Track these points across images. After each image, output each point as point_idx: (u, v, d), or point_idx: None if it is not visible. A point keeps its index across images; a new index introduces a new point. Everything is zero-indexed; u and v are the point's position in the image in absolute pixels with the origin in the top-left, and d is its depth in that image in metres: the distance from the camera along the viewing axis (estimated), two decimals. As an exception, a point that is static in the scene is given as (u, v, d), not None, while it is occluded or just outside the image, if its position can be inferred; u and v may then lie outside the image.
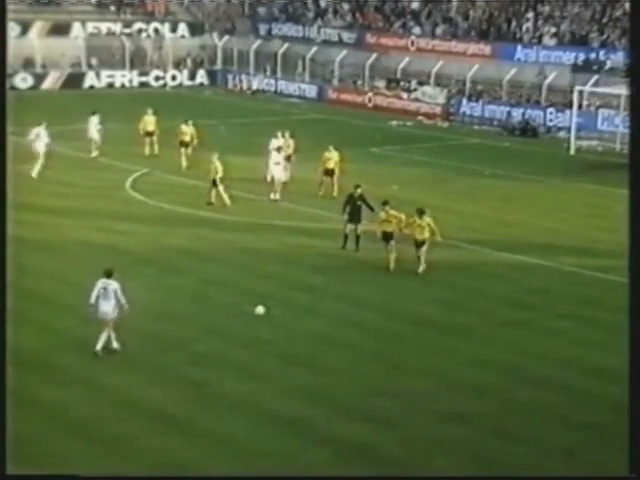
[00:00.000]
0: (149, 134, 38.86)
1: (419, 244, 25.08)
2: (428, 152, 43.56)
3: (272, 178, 32.62)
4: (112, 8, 65.46)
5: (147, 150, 38.68)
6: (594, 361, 19.65)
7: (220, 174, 31.16)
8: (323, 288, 24.12)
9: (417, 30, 58.66)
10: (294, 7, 65.89)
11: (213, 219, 30.10)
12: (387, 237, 25.39)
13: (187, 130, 37.28)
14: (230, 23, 67.82)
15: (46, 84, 60.13)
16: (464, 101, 53.60)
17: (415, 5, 60.71)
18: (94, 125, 38.87)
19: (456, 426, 16.78)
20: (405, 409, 17.45)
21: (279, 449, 15.81)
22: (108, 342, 19.34)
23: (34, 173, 35.09)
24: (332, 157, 32.66)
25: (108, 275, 19.27)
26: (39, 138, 36.85)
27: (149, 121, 39.00)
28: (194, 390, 17.95)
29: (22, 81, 59.27)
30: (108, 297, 19.14)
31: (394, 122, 52.02)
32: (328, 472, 15.11)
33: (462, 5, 59.01)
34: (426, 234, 24.99)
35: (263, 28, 65.25)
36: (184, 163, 36.91)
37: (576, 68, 50.63)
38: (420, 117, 53.77)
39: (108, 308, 19.14)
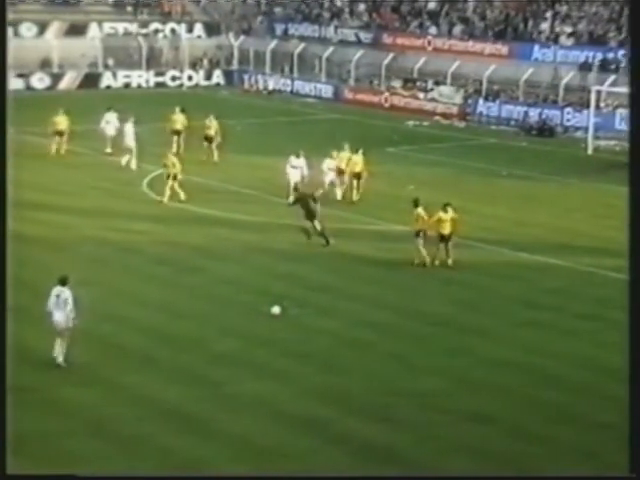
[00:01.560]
0: (176, 132, 39.15)
1: (444, 238, 25.15)
2: (445, 152, 43.45)
3: (289, 182, 32.31)
4: (129, 8, 65.58)
5: (174, 148, 38.74)
6: (611, 361, 19.50)
7: (178, 170, 31.52)
8: (339, 288, 24.09)
9: (434, 30, 58.54)
10: (310, 7, 65.88)
11: (229, 219, 30.10)
12: (418, 234, 25.50)
13: (211, 125, 37.95)
14: (246, 23, 67.87)
15: (63, 84, 60.27)
16: (481, 101, 53.45)
17: (432, 5, 60.61)
18: (107, 122, 39.08)
19: (473, 426, 16.73)
20: (421, 409, 17.41)
21: (294, 449, 15.80)
22: (66, 352, 18.52)
23: (124, 162, 36.32)
24: (358, 161, 32.48)
25: (62, 283, 18.54)
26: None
27: (177, 119, 39.33)
28: (210, 389, 17.95)
29: (39, 81, 59.45)
30: (60, 306, 18.39)
31: (410, 122, 51.92)
32: (343, 472, 15.08)
33: (479, 5, 58.88)
34: (450, 228, 25.18)
35: (279, 28, 65.26)
36: (205, 157, 37.55)
37: (584, 67, 50.43)
38: (437, 117, 53.64)
39: (61, 317, 18.37)
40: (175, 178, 31.59)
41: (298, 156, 32.47)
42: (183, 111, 39.87)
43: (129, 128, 37.54)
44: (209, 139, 38.04)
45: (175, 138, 39.11)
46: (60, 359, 18.54)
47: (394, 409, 17.32)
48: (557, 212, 32.55)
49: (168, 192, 31.60)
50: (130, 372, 18.56)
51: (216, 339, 20.46)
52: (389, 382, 18.53)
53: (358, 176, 32.41)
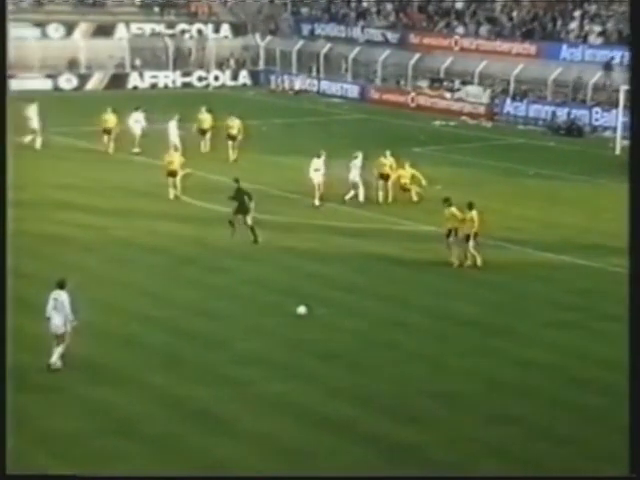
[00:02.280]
0: (204, 132, 39.39)
1: (468, 238, 25.14)
2: (471, 152, 43.30)
3: (313, 184, 32.16)
4: (156, 9, 65.83)
5: (202, 147, 39.02)
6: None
7: (176, 166, 31.90)
8: (366, 288, 24.06)
9: (461, 30, 58.37)
10: (337, 7, 65.86)
11: (255, 219, 30.06)
12: (449, 233, 25.48)
13: (234, 124, 38.29)
14: (273, 23, 67.93)
15: (90, 85, 60.57)
16: (508, 101, 53.22)
17: (459, 5, 60.43)
18: (135, 121, 39.32)
19: (500, 427, 16.66)
20: (449, 410, 17.35)
21: (321, 449, 15.77)
22: (62, 355, 18.28)
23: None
24: (387, 163, 32.36)
25: (60, 286, 18.28)
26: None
27: (204, 119, 39.59)
28: (237, 389, 17.96)
29: (66, 82, 59.76)
30: (58, 309, 18.16)
31: (437, 122, 51.77)
32: (370, 472, 15.04)
33: (506, 5, 58.63)
34: (473, 228, 25.14)
35: (306, 28, 65.28)
36: (232, 156, 37.92)
37: (607, 67, 50.08)
38: (464, 117, 53.47)
39: (59, 321, 18.15)
40: (174, 175, 31.97)
41: (319, 156, 32.37)
42: (210, 111, 40.09)
43: (173, 127, 37.73)
44: (232, 138, 38.44)
45: (202, 137, 39.33)
46: (54, 359, 18.18)
47: (421, 410, 17.28)
48: (585, 212, 32.35)
49: (178, 186, 32.04)
50: (157, 372, 18.60)
51: (243, 339, 20.47)
52: (416, 383, 18.48)
53: (387, 177, 32.28)
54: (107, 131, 39.61)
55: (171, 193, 32.17)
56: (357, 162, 32.49)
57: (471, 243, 25.38)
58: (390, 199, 32.20)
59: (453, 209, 25.65)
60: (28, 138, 39.95)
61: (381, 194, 32.32)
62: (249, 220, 27.47)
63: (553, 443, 16.11)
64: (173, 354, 19.51)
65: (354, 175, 32.29)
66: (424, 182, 31.95)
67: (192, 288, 23.68)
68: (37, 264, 24.62)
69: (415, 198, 32.26)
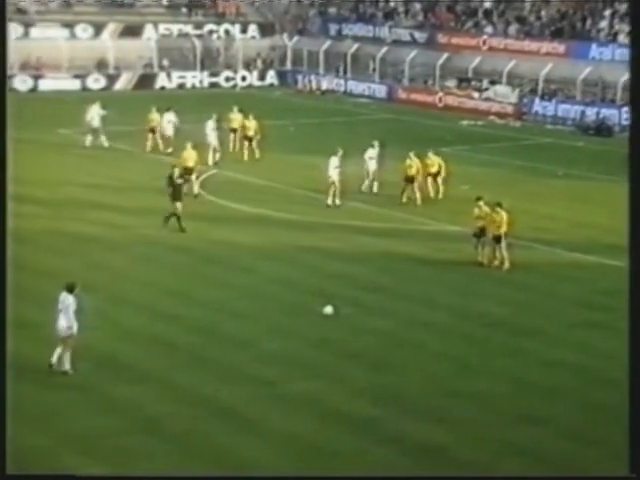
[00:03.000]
0: (234, 131, 39.48)
1: (497, 239, 24.98)
2: (499, 152, 43.08)
3: (332, 183, 32.05)
4: (184, 10, 66.01)
5: (231, 147, 39.11)
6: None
7: (193, 163, 32.07)
8: (392, 288, 23.96)
9: (489, 29, 58.12)
10: (365, 7, 65.77)
11: (281, 218, 30.09)
12: (479, 233, 25.33)
13: (250, 125, 38.38)
14: (300, 23, 67.94)
15: (118, 85, 60.81)
16: (537, 100, 52.94)
17: (488, 4, 60.16)
18: (168, 121, 39.43)
19: (527, 428, 16.55)
20: (475, 410, 17.24)
21: (346, 448, 15.72)
22: (60, 361, 18.07)
23: (210, 161, 36.69)
24: (413, 164, 32.23)
25: (69, 290, 18.11)
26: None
27: (234, 119, 39.65)
28: (262, 389, 17.93)
29: (95, 82, 60.02)
30: (63, 312, 17.99)
31: (465, 122, 51.57)
32: (394, 473, 14.94)
33: (535, 4, 58.31)
34: (502, 228, 25.00)
35: (333, 28, 65.22)
36: (246, 157, 38.01)
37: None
38: (492, 117, 53.23)
39: (63, 324, 17.95)
40: (190, 172, 31.93)
41: (336, 154, 32.29)
42: (241, 111, 40.07)
43: (210, 127, 37.68)
44: (248, 139, 38.50)
45: (232, 136, 39.42)
46: (55, 359, 18.04)
47: (447, 410, 17.18)
48: (613, 213, 31.96)
49: (196, 185, 32.22)
50: (183, 371, 18.60)
51: (268, 338, 20.43)
52: (442, 383, 18.38)
53: (412, 180, 32.11)
54: (152, 130, 39.79)
55: (195, 188, 32.30)
56: (372, 152, 32.85)
57: (503, 244, 25.21)
58: (419, 201, 31.99)
59: (485, 208, 25.47)
60: (89, 139, 40.09)
61: (405, 196, 32.13)
62: (179, 207, 28.26)
63: (580, 444, 15.98)
64: (198, 353, 19.50)
65: (368, 165, 32.75)
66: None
67: (217, 287, 23.68)
68: (63, 263, 24.71)
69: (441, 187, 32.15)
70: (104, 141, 40.05)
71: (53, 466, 14.82)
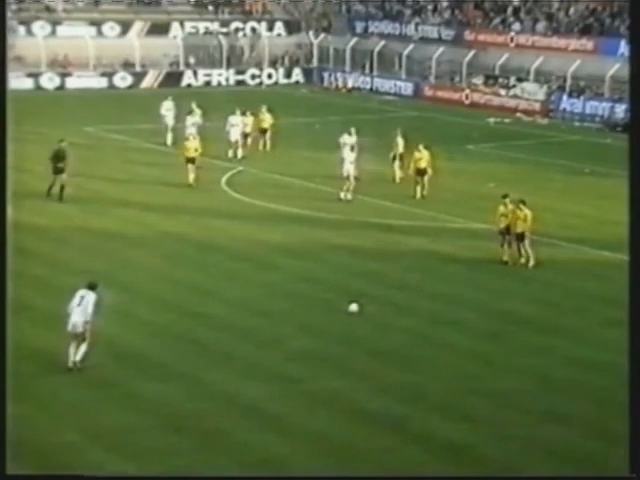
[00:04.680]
0: (264, 131, 39.31)
1: (520, 237, 24.87)
2: (526, 149, 42.88)
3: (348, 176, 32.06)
4: (210, 8, 66.14)
5: (260, 146, 39.09)
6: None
7: (193, 154, 33.18)
8: (418, 286, 23.90)
9: (517, 26, 57.85)
10: (391, 4, 65.64)
11: (307, 216, 30.10)
12: (505, 231, 25.26)
13: (265, 117, 38.88)
14: (327, 21, 67.89)
15: (145, 83, 61.06)
16: (564, 97, 52.67)
17: (515, 1, 59.87)
18: (192, 122, 39.53)
19: (554, 426, 16.45)
20: (502, 408, 17.16)
21: (373, 446, 15.68)
22: (84, 356, 18.02)
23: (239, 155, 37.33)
24: (423, 157, 32.11)
25: (91, 287, 18.10)
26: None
27: (264, 118, 39.50)
28: (288, 386, 17.92)
29: (121, 80, 60.30)
30: (83, 309, 17.84)
31: (491, 119, 51.37)
32: (421, 471, 14.91)
33: (564, 1, 57.95)
34: (525, 225, 24.84)
35: (359, 26, 65.14)
36: (260, 147, 38.58)
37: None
38: (519, 114, 53.02)
39: (78, 319, 17.82)
40: (193, 162, 33.04)
41: (353, 150, 32.41)
42: (270, 110, 39.95)
43: (231, 123, 37.83)
44: (263, 131, 38.83)
45: (262, 136, 39.29)
46: (77, 358, 17.91)
47: (473, 408, 17.11)
48: (642, 210, 31.79)
49: (191, 175, 33.01)
50: (209, 368, 18.62)
51: (294, 336, 20.43)
52: (468, 381, 18.31)
53: (423, 172, 32.00)
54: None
55: (191, 178, 33.06)
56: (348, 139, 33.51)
57: (526, 241, 25.09)
58: (426, 193, 31.85)
59: (510, 206, 25.36)
60: (169, 138, 39.86)
61: (419, 189, 32.01)
62: (64, 177, 30.14)
63: (607, 442, 15.84)
64: (224, 351, 19.52)
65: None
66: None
67: (243, 285, 23.71)
68: (92, 260, 24.82)
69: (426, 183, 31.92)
70: (169, 139, 39.75)
71: (78, 463, 14.88)
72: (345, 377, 18.34)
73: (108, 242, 26.86)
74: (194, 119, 38.99)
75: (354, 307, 21.56)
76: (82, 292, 18.02)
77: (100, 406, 16.92)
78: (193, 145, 33.70)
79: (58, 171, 30.36)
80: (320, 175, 35.15)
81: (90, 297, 17.94)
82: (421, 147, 32.25)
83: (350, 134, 34.49)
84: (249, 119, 38.65)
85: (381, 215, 30.33)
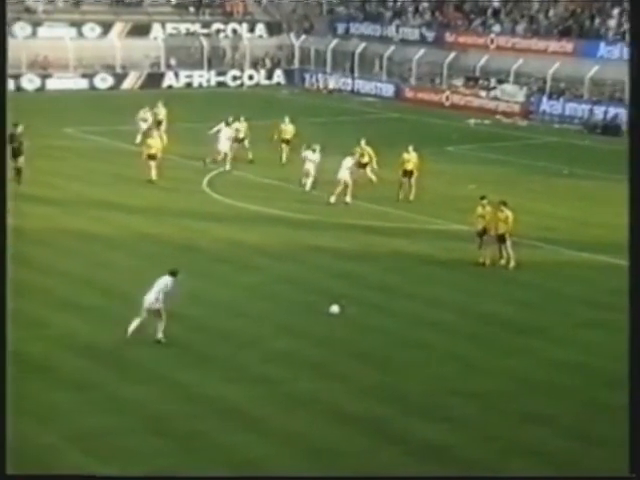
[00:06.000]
0: (286, 142, 37.59)
1: (501, 238, 24.96)
2: (506, 151, 43.03)
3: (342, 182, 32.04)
4: (191, 9, 66.05)
5: (284, 158, 37.43)
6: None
7: (158, 149, 34.03)
8: (398, 287, 23.93)
9: (497, 28, 58.05)
10: (372, 6, 65.73)
11: (287, 218, 30.10)
12: (482, 233, 25.36)
13: (287, 128, 37.70)
14: (308, 23, 67.93)
15: (125, 84, 60.90)
16: (544, 99, 52.89)
17: (496, 3, 60.09)
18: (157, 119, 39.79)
19: (533, 427, 16.51)
20: (481, 410, 17.21)
21: (352, 448, 15.69)
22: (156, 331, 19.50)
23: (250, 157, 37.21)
24: (411, 158, 32.17)
25: (172, 274, 19.58)
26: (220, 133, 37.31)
27: (286, 129, 37.83)
28: (268, 388, 17.91)
29: (102, 81, 60.12)
30: (157, 289, 19.43)
31: (472, 121, 51.53)
32: (400, 472, 14.92)
33: (543, 2, 58.22)
34: (506, 227, 24.97)
35: (341, 27, 65.21)
36: (284, 159, 37.38)
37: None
38: (499, 115, 53.20)
39: (151, 297, 19.40)
40: (154, 158, 33.80)
41: (352, 154, 32.38)
42: (293, 121, 38.38)
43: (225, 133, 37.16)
44: (239, 140, 37.59)
45: (284, 147, 37.50)
46: (159, 335, 19.46)
47: (452, 409, 17.15)
48: (620, 212, 31.80)
49: (152, 171, 33.54)
50: (188, 369, 18.59)
51: (274, 337, 20.42)
52: (447, 382, 18.35)
53: (410, 174, 32.04)
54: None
55: (153, 174, 33.65)
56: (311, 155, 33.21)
57: (508, 243, 25.17)
58: (412, 197, 31.95)
59: (488, 207, 25.46)
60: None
61: (403, 191, 32.05)
62: (20, 162, 31.50)
63: (586, 443, 15.93)
64: (205, 352, 19.50)
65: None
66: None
67: (224, 286, 23.68)
68: (70, 261, 24.73)
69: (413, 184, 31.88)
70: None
71: (56, 465, 14.82)
72: (325, 378, 18.34)
73: (87, 243, 26.77)
74: (160, 116, 39.49)
75: (335, 308, 21.58)
76: (165, 279, 19.49)
77: (79, 408, 16.86)
78: (154, 142, 34.25)
79: (15, 154, 31.27)
80: (299, 176, 35.13)
81: (167, 281, 19.44)
82: (410, 149, 32.31)
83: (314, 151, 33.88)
84: (243, 125, 37.91)
85: (361, 217, 30.36)
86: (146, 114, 40.24)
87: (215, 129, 37.41)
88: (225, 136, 36.84)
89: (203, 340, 20.11)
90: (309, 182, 33.09)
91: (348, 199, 31.56)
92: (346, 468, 15.07)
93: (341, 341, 20.30)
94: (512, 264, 25.21)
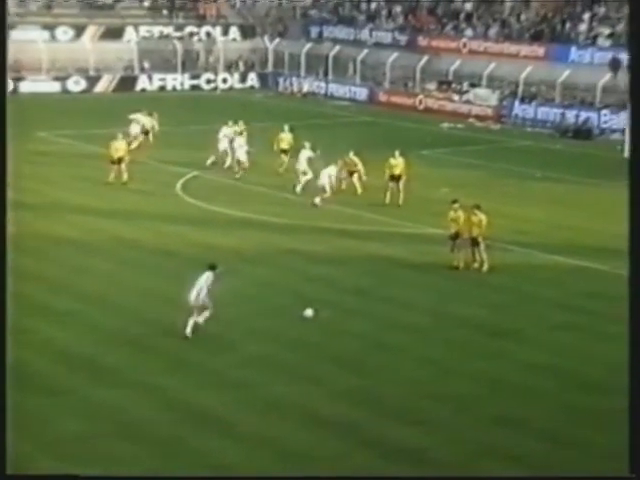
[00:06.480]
0: (284, 152, 36.75)
1: (475, 241, 25.12)
2: (479, 155, 43.23)
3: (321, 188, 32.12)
4: (164, 12, 65.93)
5: (281, 169, 36.53)
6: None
7: (123, 153, 34.03)
8: (372, 291, 24.02)
9: (469, 32, 58.32)
10: (345, 10, 65.88)
11: (263, 221, 30.14)
12: (454, 236, 25.49)
13: (286, 137, 36.92)
14: (282, 26, 67.97)
15: (99, 87, 60.69)
16: (516, 103, 53.17)
17: (468, 7, 60.39)
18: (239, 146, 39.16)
19: (506, 430, 16.62)
20: (454, 412, 17.32)
21: (326, 452, 15.75)
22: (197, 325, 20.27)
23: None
24: (398, 163, 32.24)
25: (212, 268, 20.54)
26: (224, 136, 37.14)
27: (284, 138, 37.09)
28: (242, 392, 17.94)
29: (75, 84, 59.90)
30: (198, 285, 20.26)
31: (445, 124, 51.74)
32: (375, 475, 15.01)
33: (515, 7, 58.59)
34: (480, 230, 25.13)
35: (314, 31, 65.29)
36: (282, 169, 36.44)
37: (615, 63, 50.02)
38: (471, 119, 53.42)
39: (193, 294, 20.20)
40: (120, 162, 33.82)
41: (336, 163, 32.51)
42: (292, 130, 37.52)
43: (224, 133, 37.17)
44: (284, 152, 36.62)
45: (283, 156, 36.60)
46: (201, 320, 20.31)
47: (427, 412, 17.25)
48: (592, 215, 32.26)
49: (112, 174, 33.77)
50: (163, 374, 18.59)
51: (248, 342, 20.46)
52: (422, 385, 18.45)
53: (397, 179, 32.17)
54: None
55: (112, 177, 33.85)
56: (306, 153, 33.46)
57: (482, 246, 25.33)
58: (401, 201, 32.06)
59: (460, 211, 25.62)
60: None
61: (389, 195, 32.19)
62: None
63: (559, 445, 16.06)
64: (179, 357, 19.50)
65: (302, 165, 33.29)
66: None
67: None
68: (45, 266, 24.65)
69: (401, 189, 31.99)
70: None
71: (30, 472, 14.77)
72: (299, 382, 18.39)
73: (61, 248, 26.70)
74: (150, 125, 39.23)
75: (309, 312, 21.63)
76: (207, 274, 20.33)
77: (53, 414, 16.83)
78: (120, 145, 34.26)
79: None
80: (274, 180, 35.22)
81: (207, 275, 20.31)
82: (396, 154, 32.39)
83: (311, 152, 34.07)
84: (240, 128, 37.57)
85: (336, 220, 30.44)
86: (140, 118, 39.70)
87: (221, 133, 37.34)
88: (226, 138, 36.89)
89: (178, 345, 20.10)
90: (302, 182, 33.34)
91: (317, 200, 31.63)
92: (320, 472, 15.09)
93: (315, 345, 20.36)
94: (485, 267, 25.38)
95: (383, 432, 16.40)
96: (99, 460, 15.24)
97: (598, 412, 17.46)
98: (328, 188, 31.62)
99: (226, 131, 37.58)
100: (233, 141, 36.84)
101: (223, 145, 37.33)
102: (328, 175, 31.78)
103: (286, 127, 37.69)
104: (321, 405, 17.39)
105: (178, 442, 15.93)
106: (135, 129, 39.66)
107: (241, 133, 37.09)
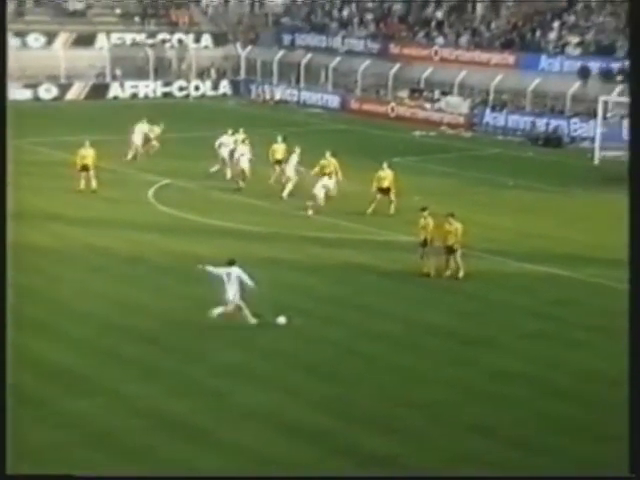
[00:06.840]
0: (278, 162, 35.90)
1: (449, 249, 25.23)
2: (451, 162, 43.45)
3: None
4: (136, 19, 65.82)
5: (272, 180, 35.79)
6: (617, 373, 19.46)
7: (90, 160, 34.18)
8: (345, 298, 24.09)
9: (440, 40, 58.64)
10: (317, 17, 66.05)
11: (235, 229, 30.13)
12: (424, 243, 25.61)
13: (279, 148, 36.35)
14: (254, 33, 68.03)
15: (70, 95, 60.48)
16: (487, 111, 53.50)
17: (439, 15, 60.71)
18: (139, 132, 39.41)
19: (478, 437, 16.70)
20: (427, 420, 17.39)
21: (300, 460, 15.75)
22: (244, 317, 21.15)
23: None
24: (387, 176, 32.20)
25: (230, 263, 20.98)
26: (224, 145, 36.92)
27: (278, 149, 36.40)
28: (215, 400, 17.93)
29: (46, 92, 59.65)
30: (232, 283, 20.88)
31: (417, 132, 51.95)
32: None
33: (486, 15, 58.99)
34: (455, 238, 25.24)
35: (287, 38, 65.43)
36: (273, 180, 35.97)
37: (584, 71, 50.51)
38: (443, 127, 53.68)
39: (231, 294, 20.93)
40: (87, 169, 34.02)
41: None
42: (285, 139, 36.85)
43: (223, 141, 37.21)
44: (277, 162, 36.09)
45: (277, 167, 35.91)
46: (253, 320, 21.29)
47: (400, 420, 17.30)
48: (563, 223, 32.51)
49: (82, 181, 33.94)
50: (135, 383, 18.55)
51: (221, 350, 20.45)
52: (395, 393, 18.51)
53: (387, 191, 32.07)
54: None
55: (82, 184, 33.98)
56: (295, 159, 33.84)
57: (458, 254, 25.44)
58: (392, 210, 32.00)
59: (429, 218, 25.74)
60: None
61: (373, 206, 32.00)
62: None
63: (531, 453, 16.16)
64: (151, 365, 19.46)
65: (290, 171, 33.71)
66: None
67: (169, 299, 23.64)
68: (15, 274, 24.45)
69: (393, 199, 32.06)
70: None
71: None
72: (272, 390, 18.41)
73: (32, 256, 26.56)
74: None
75: (282, 320, 21.65)
76: (227, 269, 20.86)
77: (25, 423, 16.75)
78: (87, 152, 34.30)
79: None
80: (246, 188, 35.22)
81: (235, 271, 20.90)
82: (385, 166, 32.40)
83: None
84: (241, 136, 37.18)
85: (310, 228, 30.49)
86: (145, 128, 39.84)
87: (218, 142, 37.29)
88: (226, 147, 36.81)
89: (149, 353, 20.07)
90: (289, 187, 33.53)
91: (310, 212, 31.65)
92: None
93: (287, 353, 20.39)
94: (461, 274, 25.48)
95: (356, 440, 16.43)
96: (71, 469, 15.12)
97: (569, 419, 17.61)
98: (321, 198, 31.68)
99: (225, 140, 37.25)
100: (234, 150, 36.35)
101: (222, 154, 36.97)
102: (322, 185, 31.84)
103: (279, 138, 37.10)
104: (294, 413, 17.41)
105: (151, 450, 15.90)
106: (138, 138, 39.57)
107: (243, 141, 36.54)
